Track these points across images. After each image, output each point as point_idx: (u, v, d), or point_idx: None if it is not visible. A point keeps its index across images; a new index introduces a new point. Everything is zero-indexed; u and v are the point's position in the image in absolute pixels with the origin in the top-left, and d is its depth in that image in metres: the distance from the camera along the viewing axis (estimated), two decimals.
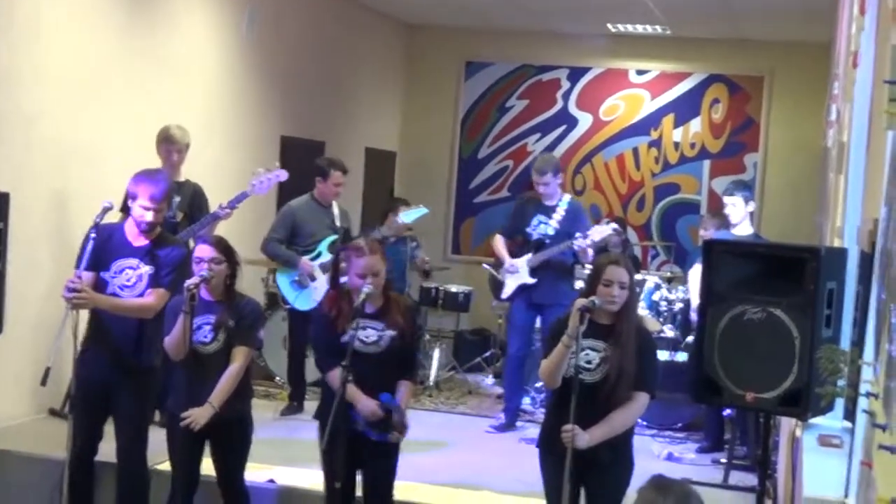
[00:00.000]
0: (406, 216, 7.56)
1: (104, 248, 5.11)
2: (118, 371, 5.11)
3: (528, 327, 7.57)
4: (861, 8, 4.62)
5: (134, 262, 5.12)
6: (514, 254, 7.53)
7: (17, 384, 6.43)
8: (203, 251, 4.99)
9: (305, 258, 7.32)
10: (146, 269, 5.14)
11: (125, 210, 6.57)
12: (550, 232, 7.40)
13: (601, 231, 7.29)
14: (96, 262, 5.10)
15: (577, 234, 7.24)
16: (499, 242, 7.67)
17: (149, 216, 5.15)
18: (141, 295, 5.13)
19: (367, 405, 4.67)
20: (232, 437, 5.05)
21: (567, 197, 7.58)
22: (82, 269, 5.04)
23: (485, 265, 8.30)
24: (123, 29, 7.23)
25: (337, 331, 4.76)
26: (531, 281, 7.38)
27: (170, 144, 6.67)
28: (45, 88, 6.54)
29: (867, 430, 2.76)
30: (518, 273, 7.42)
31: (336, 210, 7.53)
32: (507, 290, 7.52)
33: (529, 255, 7.42)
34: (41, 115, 6.52)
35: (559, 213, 7.44)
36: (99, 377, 5.05)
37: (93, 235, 5.05)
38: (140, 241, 5.17)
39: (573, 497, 4.41)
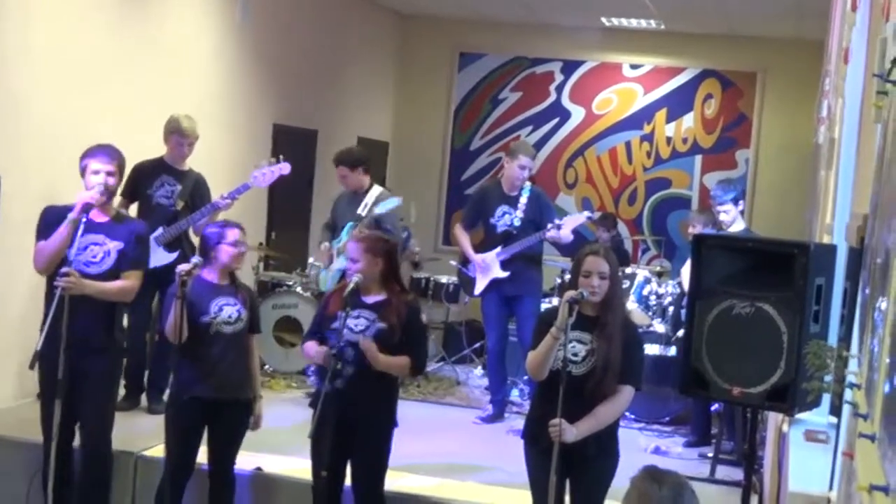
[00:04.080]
0: (380, 208, 7.52)
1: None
2: (87, 354, 5.00)
3: (502, 319, 7.51)
4: (853, 4, 4.63)
5: (99, 237, 5.04)
6: (480, 248, 7.46)
7: (3, 368, 6.41)
8: (236, 234, 5.09)
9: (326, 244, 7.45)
10: (114, 245, 5.06)
11: (127, 197, 6.58)
12: (517, 223, 7.33)
13: (574, 220, 7.29)
14: None
15: (549, 225, 7.21)
16: (462, 237, 7.57)
17: (110, 179, 5.04)
18: (107, 270, 5.03)
19: (319, 352, 4.80)
20: (235, 421, 5.11)
21: (528, 184, 7.48)
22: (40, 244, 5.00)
23: (452, 262, 8.11)
24: (116, 14, 7.20)
25: (327, 311, 4.89)
26: (504, 275, 7.32)
27: (181, 137, 6.67)
28: (36, 73, 6.51)
29: (850, 421, 2.77)
30: (490, 269, 7.35)
31: (367, 198, 7.40)
32: (480, 287, 7.46)
33: (498, 249, 7.34)
34: (32, 99, 6.49)
35: (522, 203, 7.37)
36: (68, 361, 4.81)
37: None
38: (101, 218, 5.08)
39: (559, 489, 4.42)
